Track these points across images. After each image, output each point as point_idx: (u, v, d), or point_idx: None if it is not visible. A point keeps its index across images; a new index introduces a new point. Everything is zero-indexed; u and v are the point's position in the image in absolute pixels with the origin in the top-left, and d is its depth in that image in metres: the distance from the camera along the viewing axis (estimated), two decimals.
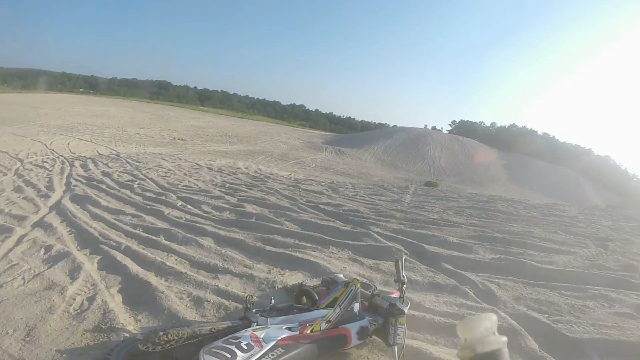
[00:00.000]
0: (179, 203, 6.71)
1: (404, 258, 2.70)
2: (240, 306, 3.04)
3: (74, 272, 3.54)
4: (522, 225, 7.20)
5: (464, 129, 61.62)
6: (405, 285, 2.59)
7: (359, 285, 2.62)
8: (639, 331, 3.18)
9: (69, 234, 4.67)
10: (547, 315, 3.38)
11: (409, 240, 5.31)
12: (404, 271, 2.57)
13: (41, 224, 4.93)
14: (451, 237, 5.66)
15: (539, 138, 53.07)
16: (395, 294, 2.81)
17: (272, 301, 2.58)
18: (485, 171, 31.40)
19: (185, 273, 3.69)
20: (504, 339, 1.74)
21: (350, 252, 4.80)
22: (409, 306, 2.60)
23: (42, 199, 6.28)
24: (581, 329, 3.17)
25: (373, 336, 2.65)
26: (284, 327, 2.27)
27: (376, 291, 3.09)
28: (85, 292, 3.21)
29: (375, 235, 5.45)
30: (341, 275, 3.21)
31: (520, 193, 21.31)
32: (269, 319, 2.36)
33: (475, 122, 69.55)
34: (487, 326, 1.77)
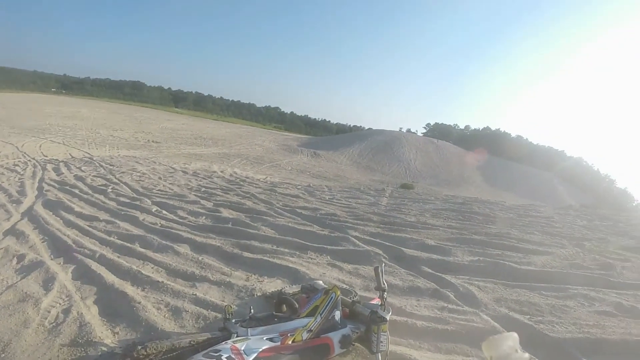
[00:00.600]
0: (154, 208, 6.58)
1: (383, 265, 2.69)
2: (219, 315, 2.99)
3: (48, 282, 3.43)
4: (499, 226, 7.32)
5: (438, 132, 62.69)
6: (386, 293, 2.59)
7: (339, 292, 2.59)
8: (620, 329, 3.26)
9: (42, 242, 4.53)
10: (528, 316, 3.42)
11: (387, 243, 5.31)
12: (383, 278, 2.57)
13: (13, 232, 4.78)
14: (429, 239, 5.70)
15: (512, 140, 54.25)
16: (376, 301, 2.81)
17: (252, 310, 2.54)
18: (460, 173, 31.90)
19: (162, 282, 3.60)
20: (527, 355, 1.79)
21: (329, 257, 4.77)
22: (390, 313, 2.60)
23: (14, 204, 6.09)
24: (563, 328, 3.22)
25: (356, 344, 2.64)
26: (265, 338, 2.22)
27: (356, 297, 3.09)
28: (60, 304, 3.10)
29: (353, 239, 5.43)
30: (321, 282, 3.19)
31: (495, 194, 21.74)
32: (249, 329, 2.30)
33: (449, 125, 70.91)
34: (510, 344, 1.84)
